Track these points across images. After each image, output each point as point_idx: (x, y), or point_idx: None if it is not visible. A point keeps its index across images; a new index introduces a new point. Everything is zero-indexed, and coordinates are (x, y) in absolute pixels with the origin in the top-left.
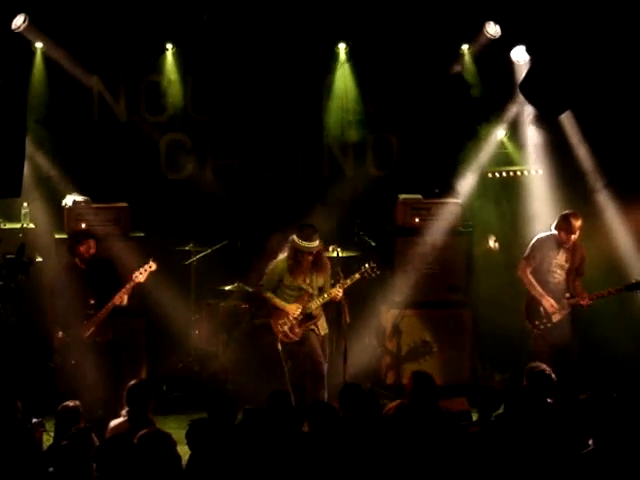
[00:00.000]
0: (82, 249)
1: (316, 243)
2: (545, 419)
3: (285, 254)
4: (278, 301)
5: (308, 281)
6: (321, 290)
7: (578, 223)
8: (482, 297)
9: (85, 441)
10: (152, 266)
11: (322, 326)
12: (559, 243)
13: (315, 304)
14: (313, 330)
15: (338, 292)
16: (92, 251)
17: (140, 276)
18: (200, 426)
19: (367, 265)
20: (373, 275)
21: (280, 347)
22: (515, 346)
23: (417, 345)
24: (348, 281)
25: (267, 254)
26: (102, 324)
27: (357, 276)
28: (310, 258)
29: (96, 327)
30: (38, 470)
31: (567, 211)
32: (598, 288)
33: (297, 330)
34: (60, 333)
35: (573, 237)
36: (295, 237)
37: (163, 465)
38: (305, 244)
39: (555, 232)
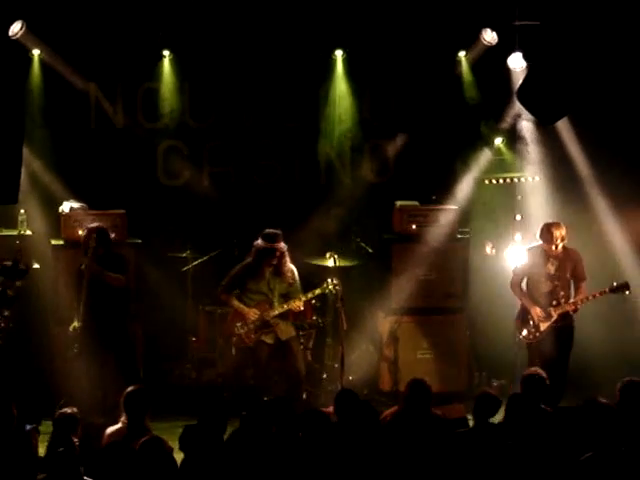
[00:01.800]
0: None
1: (278, 245)
2: (540, 425)
3: (250, 258)
4: (237, 303)
5: (271, 286)
6: (285, 297)
7: (559, 233)
8: (479, 303)
9: (66, 445)
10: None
11: (283, 330)
12: (546, 253)
13: (273, 312)
14: (264, 341)
15: (298, 304)
16: (84, 246)
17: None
18: (194, 431)
19: (329, 281)
20: (334, 292)
21: (234, 351)
22: (512, 352)
23: (413, 352)
24: (309, 294)
25: None
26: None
27: (318, 291)
28: (273, 262)
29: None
30: (34, 477)
31: (549, 221)
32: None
33: (252, 336)
34: (75, 323)
35: (554, 247)
36: (259, 239)
37: (162, 473)
38: (266, 245)
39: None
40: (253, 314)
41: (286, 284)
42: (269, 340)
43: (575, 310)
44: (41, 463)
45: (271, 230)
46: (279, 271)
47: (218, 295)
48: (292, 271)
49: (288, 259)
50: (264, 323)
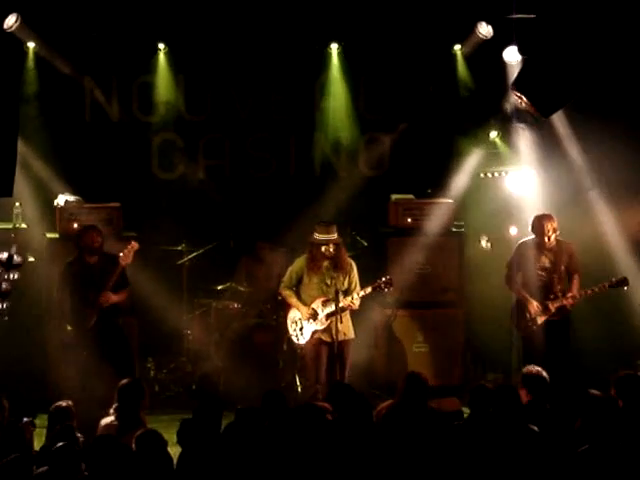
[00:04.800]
0: (87, 240)
1: (333, 236)
2: (542, 421)
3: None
4: (294, 300)
5: (329, 282)
6: (345, 293)
7: (550, 225)
8: (474, 297)
9: (69, 439)
10: (134, 246)
11: (339, 330)
12: (539, 246)
13: (329, 309)
14: (320, 339)
15: (353, 303)
16: (96, 244)
17: (126, 258)
18: (192, 425)
19: (383, 279)
20: (386, 290)
21: (285, 347)
22: (507, 346)
23: (409, 345)
24: (361, 292)
25: (256, 259)
26: (105, 315)
27: (369, 289)
28: (327, 253)
29: (98, 317)
30: (28, 470)
31: (540, 213)
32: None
33: (307, 334)
34: (69, 328)
35: (547, 239)
36: (314, 231)
37: (156, 465)
38: (320, 236)
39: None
40: (306, 311)
41: (345, 279)
42: (326, 338)
43: (573, 304)
44: (37, 456)
45: (325, 221)
46: (337, 264)
47: (279, 291)
48: (351, 265)
49: (346, 252)
50: (319, 321)
